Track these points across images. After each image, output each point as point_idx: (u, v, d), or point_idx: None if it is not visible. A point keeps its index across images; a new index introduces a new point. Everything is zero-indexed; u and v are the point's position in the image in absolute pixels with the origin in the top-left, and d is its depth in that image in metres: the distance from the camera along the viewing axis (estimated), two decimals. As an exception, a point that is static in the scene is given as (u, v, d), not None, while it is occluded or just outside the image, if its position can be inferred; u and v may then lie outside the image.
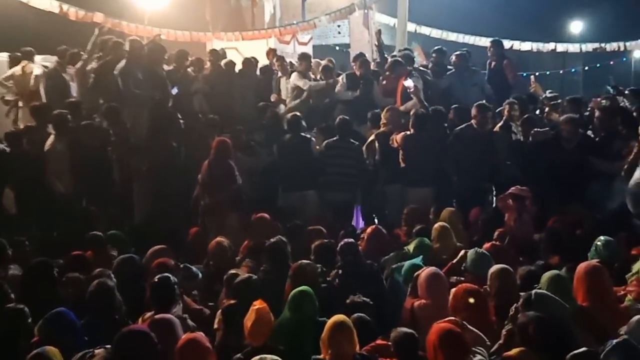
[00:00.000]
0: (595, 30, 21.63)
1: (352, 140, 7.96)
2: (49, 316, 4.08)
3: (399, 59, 9.29)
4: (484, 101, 7.99)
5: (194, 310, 4.84)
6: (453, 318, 3.93)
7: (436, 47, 10.15)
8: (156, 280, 4.54)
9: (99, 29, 8.99)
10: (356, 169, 7.91)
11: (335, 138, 7.96)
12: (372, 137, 8.07)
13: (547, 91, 9.91)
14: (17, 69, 8.98)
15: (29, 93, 8.73)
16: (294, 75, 9.60)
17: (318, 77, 9.70)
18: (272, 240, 5.48)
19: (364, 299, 4.70)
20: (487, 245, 5.59)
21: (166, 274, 4.60)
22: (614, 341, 3.46)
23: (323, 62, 10.02)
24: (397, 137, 7.67)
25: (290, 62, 10.93)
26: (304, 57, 9.95)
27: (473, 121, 7.60)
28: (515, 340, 3.91)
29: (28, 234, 6.40)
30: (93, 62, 8.98)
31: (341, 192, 7.82)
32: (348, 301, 4.66)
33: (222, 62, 9.73)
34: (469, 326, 3.92)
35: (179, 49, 9.66)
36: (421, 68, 9.72)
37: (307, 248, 5.68)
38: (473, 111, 7.63)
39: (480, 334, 4.00)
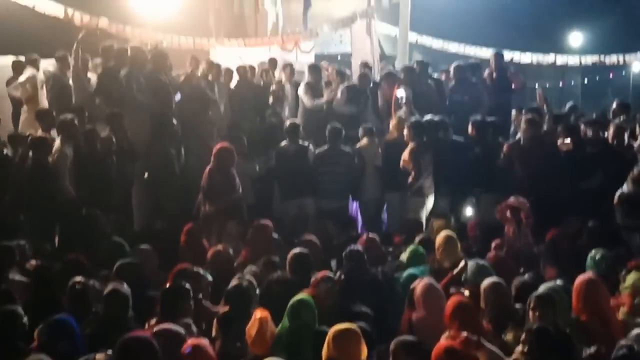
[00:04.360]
0: (594, 43, 21.70)
1: (342, 148, 8.00)
2: (50, 322, 4.11)
3: (392, 70, 9.68)
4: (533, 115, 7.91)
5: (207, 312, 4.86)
6: (468, 335, 3.88)
7: (416, 60, 10.14)
8: (168, 287, 4.62)
9: (85, 31, 8.93)
10: (349, 175, 7.95)
11: (325, 147, 8.00)
12: (363, 143, 8.08)
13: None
14: (21, 78, 9.02)
15: (30, 98, 8.74)
16: (302, 88, 9.41)
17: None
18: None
19: (364, 309, 4.71)
20: (489, 255, 5.61)
21: (182, 283, 4.64)
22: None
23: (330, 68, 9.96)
24: (405, 155, 7.58)
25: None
26: (314, 69, 9.74)
27: (521, 136, 7.67)
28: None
29: (28, 239, 6.39)
30: (95, 68, 9.03)
31: (335, 200, 7.88)
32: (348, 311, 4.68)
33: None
34: (486, 343, 3.87)
35: (191, 55, 9.61)
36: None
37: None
38: (522, 126, 7.68)
39: (498, 351, 3.94)
